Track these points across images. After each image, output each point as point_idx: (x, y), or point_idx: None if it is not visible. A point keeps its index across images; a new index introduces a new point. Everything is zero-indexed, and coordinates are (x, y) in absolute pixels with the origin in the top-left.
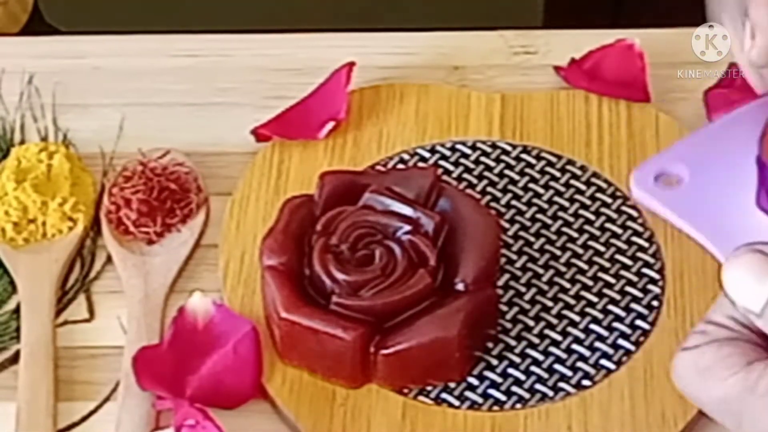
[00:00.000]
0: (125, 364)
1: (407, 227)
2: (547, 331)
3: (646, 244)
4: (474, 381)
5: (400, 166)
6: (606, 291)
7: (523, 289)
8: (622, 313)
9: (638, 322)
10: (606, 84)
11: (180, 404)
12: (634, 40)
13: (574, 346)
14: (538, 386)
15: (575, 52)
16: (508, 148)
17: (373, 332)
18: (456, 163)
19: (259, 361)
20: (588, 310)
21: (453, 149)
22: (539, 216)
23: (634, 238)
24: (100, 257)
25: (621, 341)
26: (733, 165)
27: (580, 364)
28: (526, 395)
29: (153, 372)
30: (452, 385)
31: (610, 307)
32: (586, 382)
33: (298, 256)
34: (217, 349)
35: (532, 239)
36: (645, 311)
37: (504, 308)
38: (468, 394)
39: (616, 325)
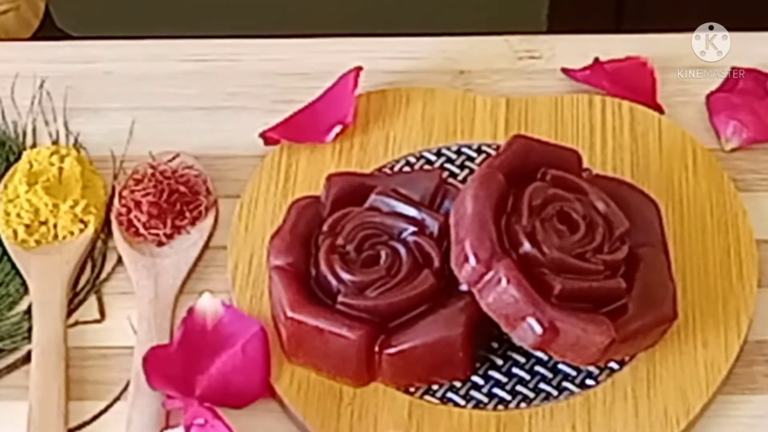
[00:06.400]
0: (135, 363)
1: (412, 228)
2: None
3: None
4: (479, 380)
5: (406, 169)
6: None
7: None
8: None
9: None
10: (625, 89)
11: (189, 403)
12: (646, 59)
13: None
14: (542, 385)
15: (579, 56)
16: None
17: (378, 332)
18: (461, 166)
19: (268, 361)
20: None
21: (458, 152)
22: None
23: None
24: (111, 259)
25: None
26: None
27: None
28: (531, 394)
29: (163, 372)
30: (458, 384)
31: None
32: (589, 382)
33: (304, 257)
34: (226, 349)
35: None
36: None
37: None
38: (473, 393)
39: None
